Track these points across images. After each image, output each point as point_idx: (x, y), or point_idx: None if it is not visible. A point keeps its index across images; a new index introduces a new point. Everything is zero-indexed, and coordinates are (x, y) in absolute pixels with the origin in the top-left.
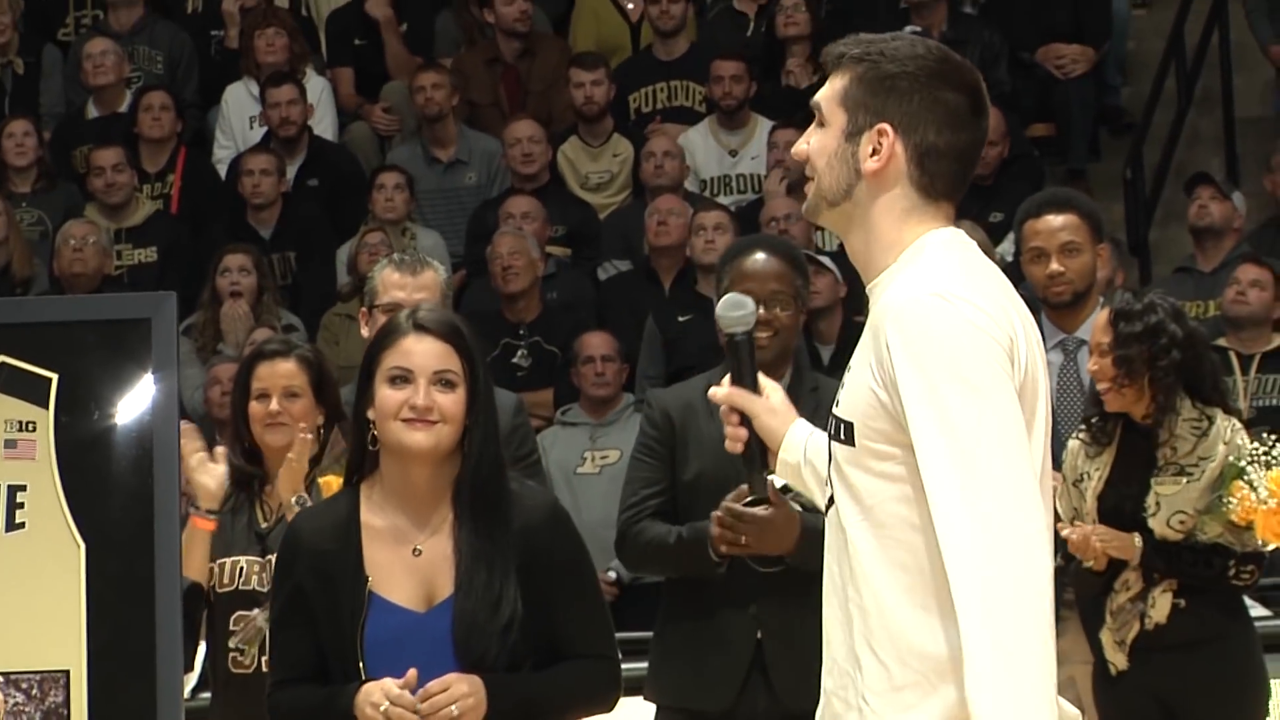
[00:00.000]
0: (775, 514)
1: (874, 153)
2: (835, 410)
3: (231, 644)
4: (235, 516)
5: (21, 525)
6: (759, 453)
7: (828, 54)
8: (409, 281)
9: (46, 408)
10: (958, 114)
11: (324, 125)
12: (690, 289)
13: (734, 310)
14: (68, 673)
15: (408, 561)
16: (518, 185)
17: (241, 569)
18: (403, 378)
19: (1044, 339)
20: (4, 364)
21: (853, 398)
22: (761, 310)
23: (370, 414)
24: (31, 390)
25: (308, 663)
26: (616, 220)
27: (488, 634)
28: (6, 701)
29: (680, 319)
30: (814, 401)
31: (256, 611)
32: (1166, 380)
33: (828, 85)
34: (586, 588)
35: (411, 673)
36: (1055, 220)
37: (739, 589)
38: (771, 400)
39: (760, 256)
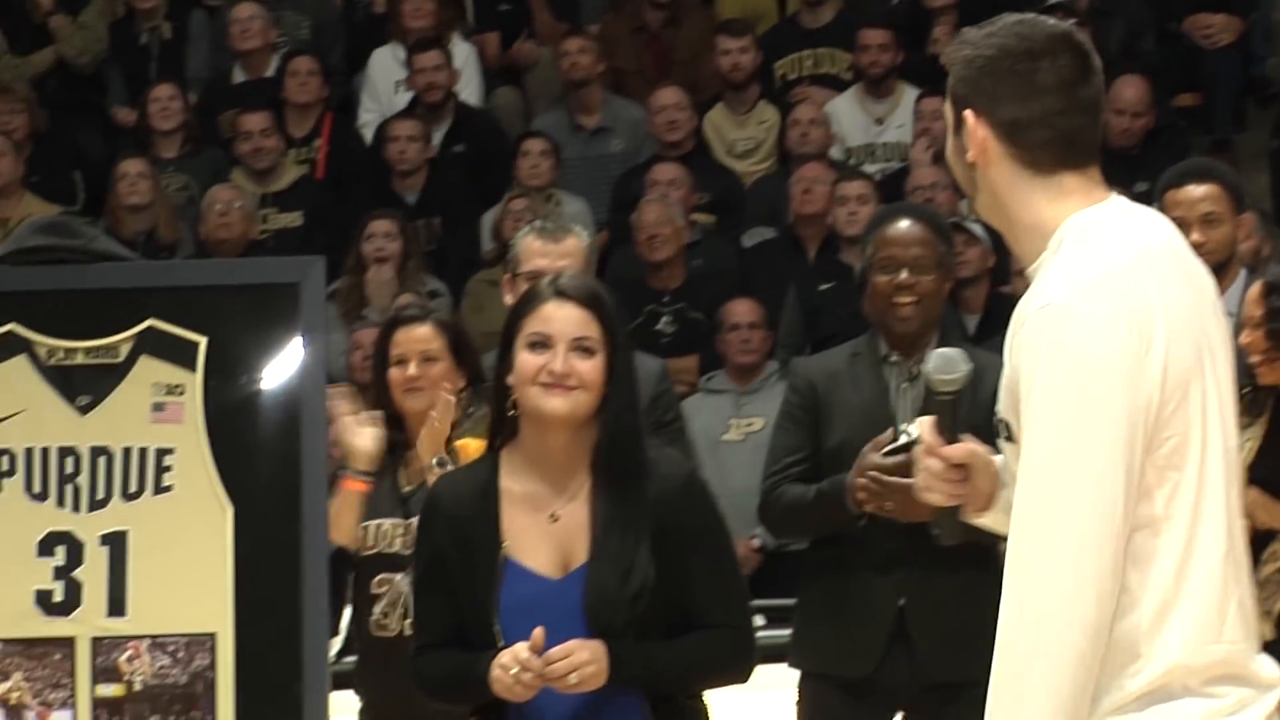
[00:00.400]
0: None
1: (970, 140)
2: (998, 409)
3: (375, 609)
4: (379, 480)
5: (169, 488)
6: (954, 511)
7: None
8: (551, 249)
9: (195, 371)
10: (1037, 82)
11: (469, 91)
12: (833, 258)
13: (945, 372)
14: (214, 636)
15: (544, 528)
16: (663, 153)
17: (385, 532)
18: (542, 343)
19: None
20: (152, 327)
21: (1006, 397)
22: (905, 275)
23: (510, 380)
24: (179, 354)
25: (448, 627)
26: (761, 188)
27: (618, 602)
28: (153, 664)
29: (822, 288)
30: None
31: (399, 576)
32: None
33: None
34: (721, 557)
35: (538, 631)
36: (1196, 191)
37: (880, 555)
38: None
39: (905, 224)
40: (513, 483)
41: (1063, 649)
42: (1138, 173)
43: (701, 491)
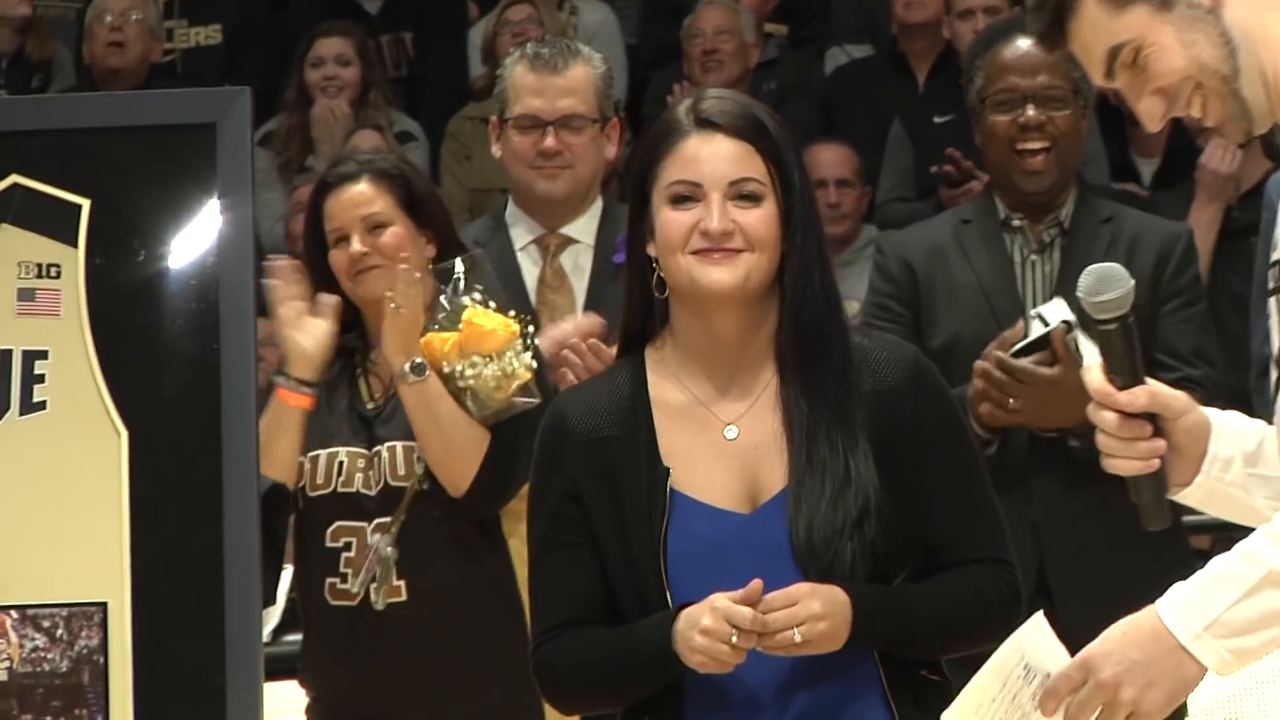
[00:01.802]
0: (1062, 375)
1: None
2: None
3: (341, 568)
4: (332, 395)
5: (41, 405)
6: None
7: None
8: (549, 83)
9: (75, 245)
10: None
11: None
12: (953, 81)
13: (1108, 291)
14: (105, 606)
15: (720, 447)
16: None
17: (342, 464)
18: (689, 195)
19: None
20: (16, 185)
21: None
22: (1031, 112)
23: (650, 250)
24: (55, 222)
25: (592, 598)
26: None
27: (838, 534)
28: (23, 646)
29: (938, 119)
30: (1108, 236)
31: (379, 537)
32: None
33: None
34: (968, 469)
35: (756, 583)
36: None
37: (1011, 494)
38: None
39: (1024, 43)
40: (668, 391)
41: None
42: None
43: (934, 381)
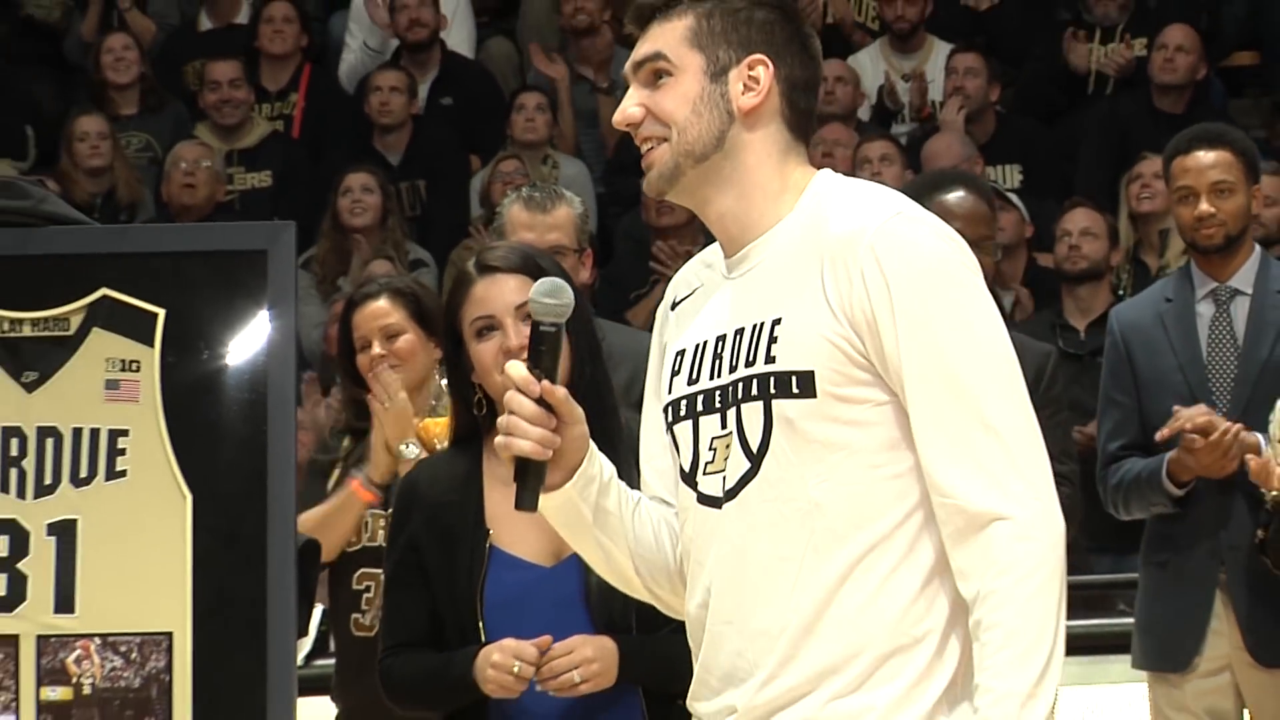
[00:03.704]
0: None
1: (745, 89)
2: (769, 366)
3: (363, 606)
4: (357, 469)
5: (123, 474)
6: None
7: (644, 4)
8: (539, 220)
9: (152, 346)
10: (808, 45)
11: (459, 39)
12: None
13: (549, 297)
14: (171, 635)
15: (533, 514)
16: None
17: (367, 524)
18: (488, 326)
19: (1194, 289)
20: (106, 297)
21: (801, 345)
22: None
23: (473, 377)
24: (136, 327)
25: (423, 626)
26: None
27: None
28: (104, 666)
29: None
30: None
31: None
32: None
33: (657, 34)
34: None
35: (545, 638)
36: (1206, 157)
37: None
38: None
39: (961, 194)
40: (497, 468)
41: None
42: None
43: None
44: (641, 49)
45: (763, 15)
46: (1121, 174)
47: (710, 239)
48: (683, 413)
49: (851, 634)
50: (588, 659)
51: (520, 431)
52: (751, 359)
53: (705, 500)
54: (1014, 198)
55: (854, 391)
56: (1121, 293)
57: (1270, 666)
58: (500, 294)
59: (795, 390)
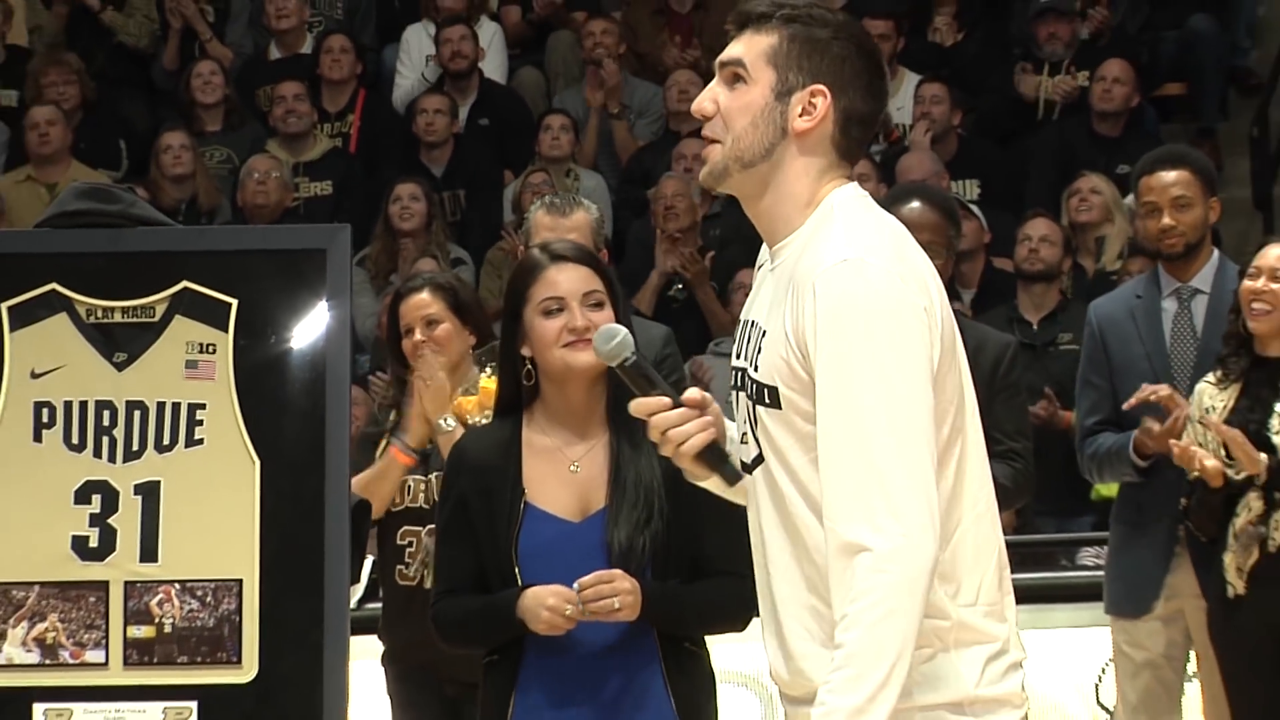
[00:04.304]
0: None
1: (803, 113)
2: (754, 374)
3: (406, 559)
4: (397, 438)
5: (200, 441)
6: (720, 446)
7: (745, 11)
8: (559, 223)
9: (226, 331)
10: (874, 85)
11: (494, 68)
12: None
13: (608, 344)
14: (240, 582)
15: (564, 476)
16: (674, 126)
17: (408, 488)
18: (557, 307)
19: (1160, 289)
20: (186, 289)
21: (771, 363)
22: None
23: (525, 349)
24: (212, 315)
25: (469, 573)
26: None
27: (638, 544)
28: (182, 608)
29: None
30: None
31: (430, 538)
32: None
33: (747, 42)
34: (728, 507)
35: (583, 579)
36: (1168, 176)
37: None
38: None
39: (916, 205)
40: (534, 438)
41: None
42: (1117, 156)
43: None
44: (731, 50)
45: (839, 49)
46: (1067, 188)
47: (706, 244)
48: (734, 382)
49: (809, 621)
50: (626, 590)
51: (684, 435)
52: (752, 360)
53: (744, 466)
54: (974, 208)
55: (808, 407)
56: (1063, 291)
57: None
58: (569, 280)
59: (767, 400)
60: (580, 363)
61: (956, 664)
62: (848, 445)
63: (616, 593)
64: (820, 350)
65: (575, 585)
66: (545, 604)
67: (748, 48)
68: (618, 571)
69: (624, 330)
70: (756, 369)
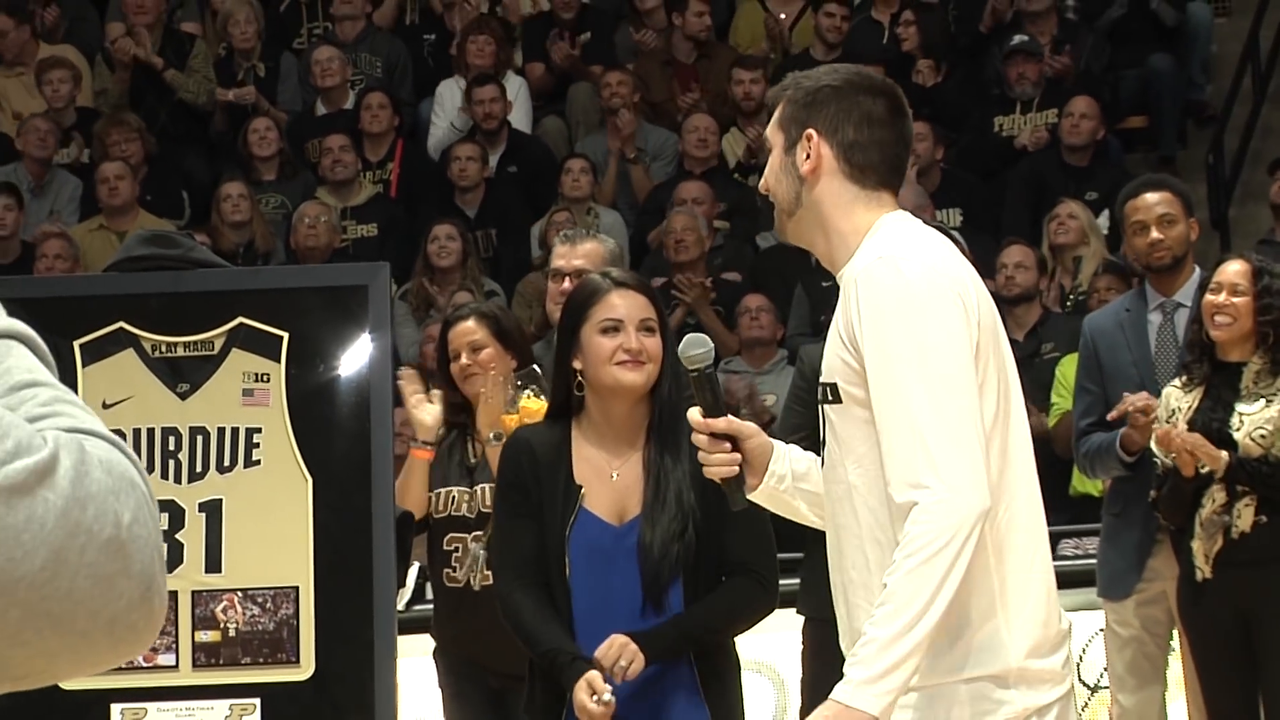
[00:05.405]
0: None
1: (807, 157)
2: (821, 378)
3: (452, 563)
4: (450, 454)
5: (258, 462)
6: (739, 478)
7: (770, 97)
8: (571, 251)
9: (279, 362)
10: (873, 114)
11: (520, 118)
12: None
13: (696, 349)
14: (297, 589)
15: (606, 483)
16: (689, 168)
17: (454, 498)
18: (614, 327)
19: (1147, 303)
20: (242, 324)
21: (831, 363)
22: None
23: (578, 363)
24: (266, 347)
25: (529, 553)
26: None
27: (669, 548)
28: (245, 613)
29: (824, 284)
30: None
31: (476, 544)
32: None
33: (770, 122)
34: (755, 510)
35: (604, 687)
36: (1153, 197)
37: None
38: (747, 424)
39: None
40: (581, 445)
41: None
42: (1086, 184)
43: None
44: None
45: (823, 95)
46: (1040, 215)
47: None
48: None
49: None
50: (633, 652)
51: (707, 460)
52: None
53: (823, 462)
54: (957, 235)
55: (863, 395)
56: (1044, 305)
57: None
58: (628, 305)
59: (830, 398)
60: (629, 381)
61: (1004, 636)
62: (894, 418)
63: (624, 656)
64: (865, 337)
65: (595, 655)
66: (586, 709)
67: (769, 125)
68: (618, 637)
69: (711, 344)
70: (822, 373)
